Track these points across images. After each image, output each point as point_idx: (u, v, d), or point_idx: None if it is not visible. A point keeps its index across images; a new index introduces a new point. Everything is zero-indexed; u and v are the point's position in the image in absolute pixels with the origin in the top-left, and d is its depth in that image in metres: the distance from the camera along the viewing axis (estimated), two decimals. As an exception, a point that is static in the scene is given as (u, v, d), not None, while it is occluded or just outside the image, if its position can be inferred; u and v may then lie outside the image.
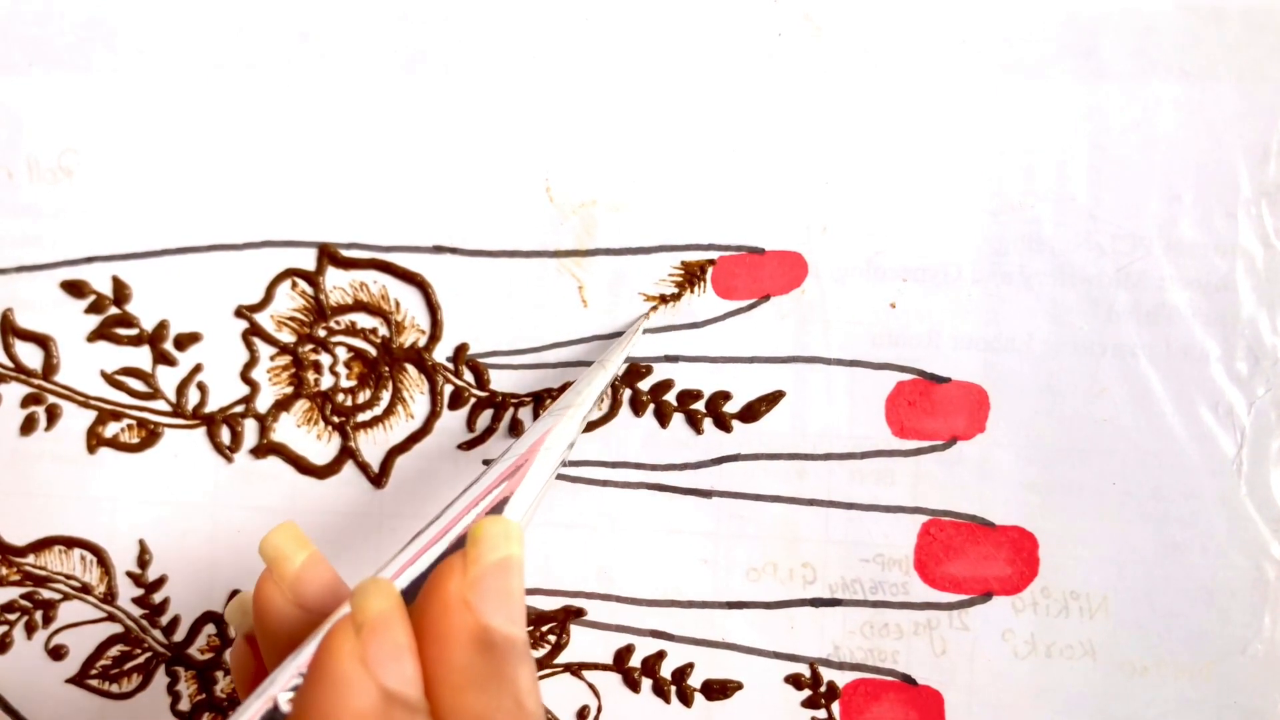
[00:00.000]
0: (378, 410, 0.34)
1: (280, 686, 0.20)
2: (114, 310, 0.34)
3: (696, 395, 0.33)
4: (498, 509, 0.23)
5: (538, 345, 0.33)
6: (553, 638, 0.33)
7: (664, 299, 0.33)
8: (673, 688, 0.33)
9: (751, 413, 0.32)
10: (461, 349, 0.33)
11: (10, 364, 0.35)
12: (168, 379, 0.34)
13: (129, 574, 0.35)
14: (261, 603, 0.24)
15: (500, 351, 0.33)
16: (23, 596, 0.35)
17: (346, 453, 0.34)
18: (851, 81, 0.32)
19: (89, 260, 0.34)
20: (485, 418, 0.34)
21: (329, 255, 0.33)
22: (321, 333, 0.34)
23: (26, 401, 0.35)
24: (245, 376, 0.34)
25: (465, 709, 0.20)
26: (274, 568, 0.24)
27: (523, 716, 0.20)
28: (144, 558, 0.35)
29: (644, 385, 0.33)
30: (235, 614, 0.25)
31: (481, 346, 0.33)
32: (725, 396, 0.33)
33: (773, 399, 0.32)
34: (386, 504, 0.34)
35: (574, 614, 0.33)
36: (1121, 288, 0.31)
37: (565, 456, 0.27)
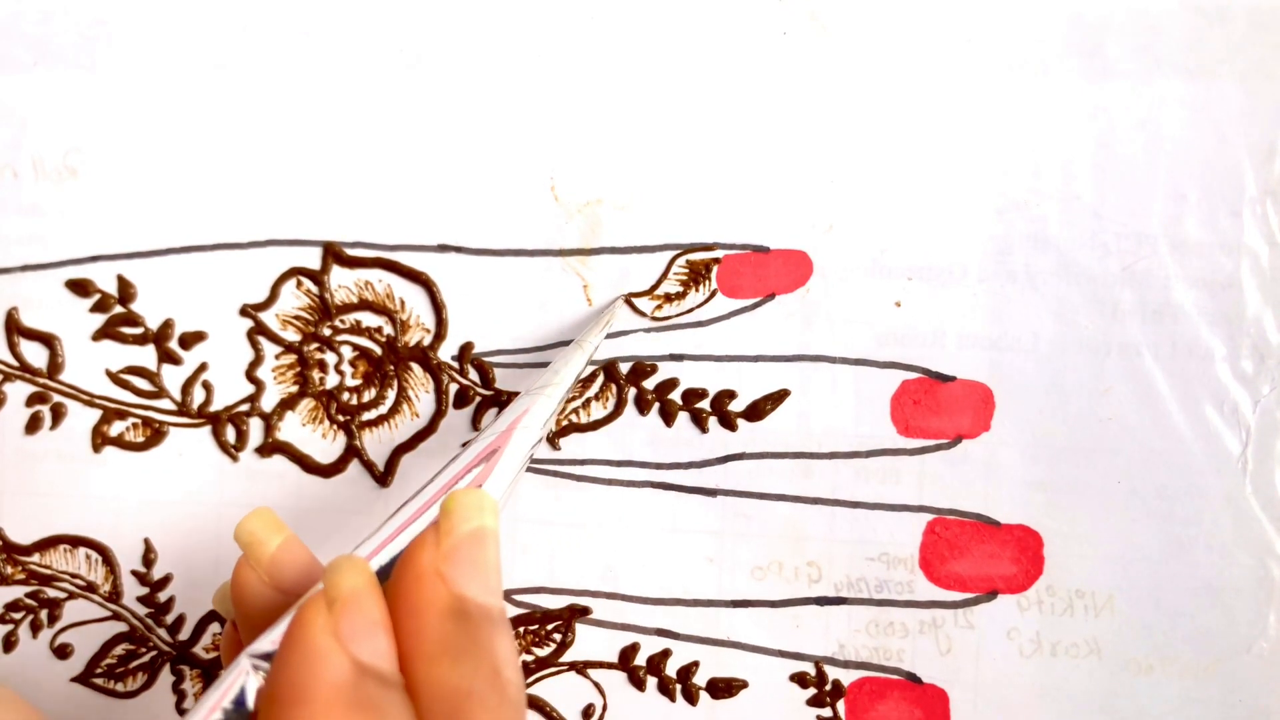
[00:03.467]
0: (383, 409, 0.34)
1: (250, 661, 0.20)
2: (119, 309, 0.34)
3: (701, 394, 0.33)
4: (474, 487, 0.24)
5: (542, 344, 0.33)
6: (558, 636, 0.33)
7: (668, 298, 0.33)
8: (678, 686, 0.33)
9: (756, 411, 0.32)
10: (466, 348, 0.33)
11: (15, 363, 0.35)
12: (173, 378, 0.34)
13: (134, 573, 0.35)
14: (239, 587, 0.24)
15: (505, 350, 0.33)
16: (28, 595, 0.35)
17: (351, 451, 0.34)
18: (857, 80, 0.32)
19: (94, 259, 0.34)
20: (490, 416, 0.34)
21: (334, 254, 0.33)
22: (326, 331, 0.34)
23: (31, 400, 0.35)
24: (250, 375, 0.34)
25: (440, 680, 0.20)
26: (249, 552, 0.24)
27: (500, 685, 0.20)
28: (149, 556, 0.35)
29: (649, 384, 0.33)
30: (220, 601, 0.26)
31: (486, 345, 0.33)
32: (730, 395, 0.33)
33: (778, 398, 0.32)
34: (392, 503, 0.34)
35: (579, 612, 0.33)
36: (1126, 286, 0.31)
37: (541, 436, 0.27)
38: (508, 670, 0.20)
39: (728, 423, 0.33)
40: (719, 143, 0.32)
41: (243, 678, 0.20)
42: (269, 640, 0.20)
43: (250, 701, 0.20)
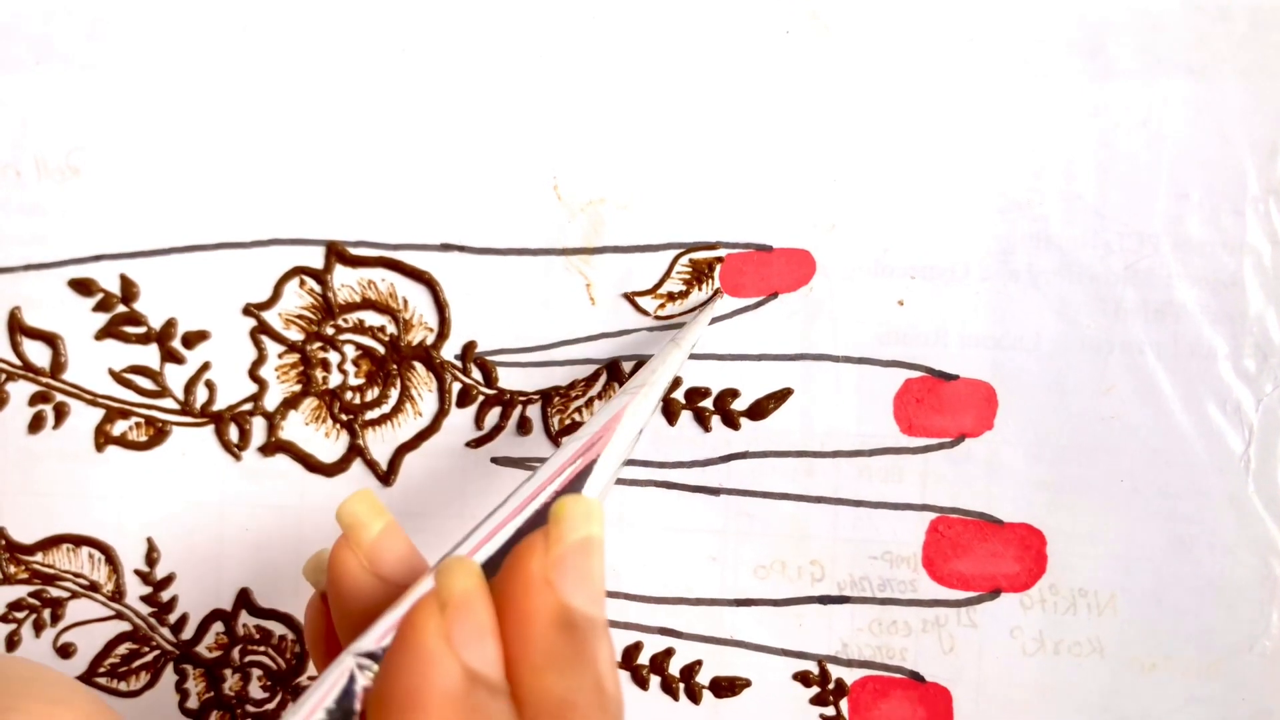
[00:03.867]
0: (386, 408, 0.34)
1: (355, 660, 0.20)
2: (122, 308, 0.34)
3: (704, 393, 0.33)
4: (574, 487, 0.23)
5: (545, 343, 0.33)
6: (561, 635, 0.33)
7: (670, 297, 0.33)
8: (681, 685, 0.33)
9: (759, 410, 0.32)
10: (469, 347, 0.33)
11: (18, 362, 0.35)
12: (176, 377, 0.34)
13: (137, 572, 0.35)
14: (337, 567, 0.24)
15: (508, 349, 0.33)
16: (31, 595, 0.35)
17: (355, 450, 0.34)
18: (859, 79, 0.32)
19: (97, 258, 0.34)
20: (493, 415, 0.34)
21: (337, 253, 0.33)
22: (330, 331, 0.34)
23: (34, 400, 0.35)
24: (253, 374, 0.34)
25: (546, 690, 0.20)
26: (350, 534, 0.24)
27: (603, 699, 0.20)
28: (152, 556, 0.35)
29: (652, 383, 0.33)
30: (312, 572, 0.25)
31: (489, 344, 0.33)
32: (733, 394, 0.33)
33: (781, 396, 0.32)
34: (395, 502, 0.34)
35: (582, 611, 0.33)
36: (1129, 285, 0.31)
37: (639, 435, 0.26)
38: (609, 683, 0.20)
39: (731, 421, 0.33)
40: (721, 142, 0.32)
41: (345, 677, 0.20)
42: (373, 638, 0.20)
43: (357, 703, 0.19)
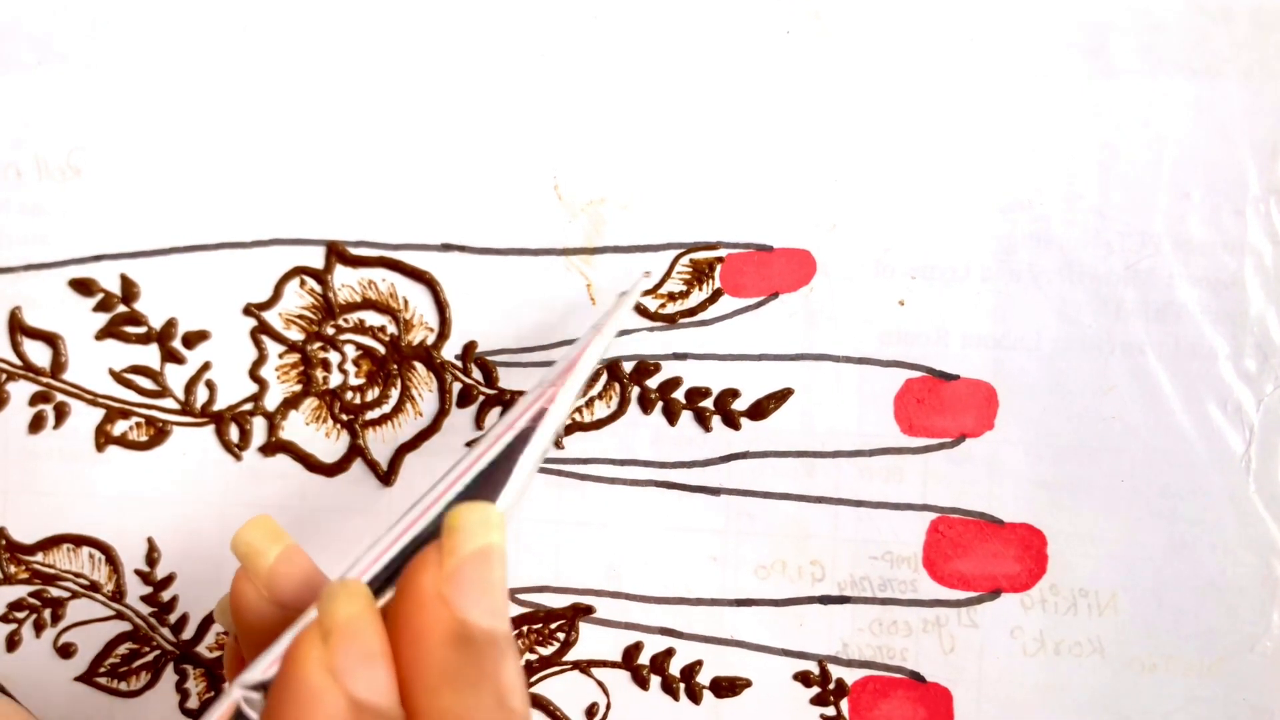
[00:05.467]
0: (386, 408, 0.34)
1: (241, 692, 0.19)
2: (122, 308, 0.34)
3: (705, 393, 0.33)
4: (484, 493, 0.22)
5: (546, 343, 0.33)
6: (561, 635, 0.33)
7: (671, 296, 0.33)
8: (681, 685, 0.33)
9: (760, 410, 0.32)
10: (470, 347, 0.33)
11: (18, 362, 0.35)
12: (176, 377, 0.34)
13: (137, 572, 0.35)
14: (238, 600, 0.23)
15: (508, 349, 0.33)
16: (31, 595, 0.35)
17: (355, 450, 0.34)
18: (860, 79, 0.32)
19: (97, 258, 0.34)
20: (494, 415, 0.34)
21: (337, 253, 0.33)
22: (330, 331, 0.34)
23: (35, 400, 0.35)
24: (254, 374, 0.34)
25: (442, 710, 0.19)
26: (247, 564, 0.23)
27: (505, 716, 0.19)
28: (152, 556, 0.35)
29: (652, 383, 0.33)
30: (220, 614, 0.25)
31: (490, 344, 0.33)
32: (734, 394, 0.33)
33: (781, 396, 0.32)
34: (395, 502, 0.34)
35: (583, 611, 0.33)
36: (1130, 285, 0.31)
37: (556, 436, 0.25)
38: (513, 699, 0.19)
39: (731, 422, 0.33)
40: (722, 142, 0.32)
41: (231, 711, 0.19)
42: (260, 668, 0.20)
43: None
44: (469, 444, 0.34)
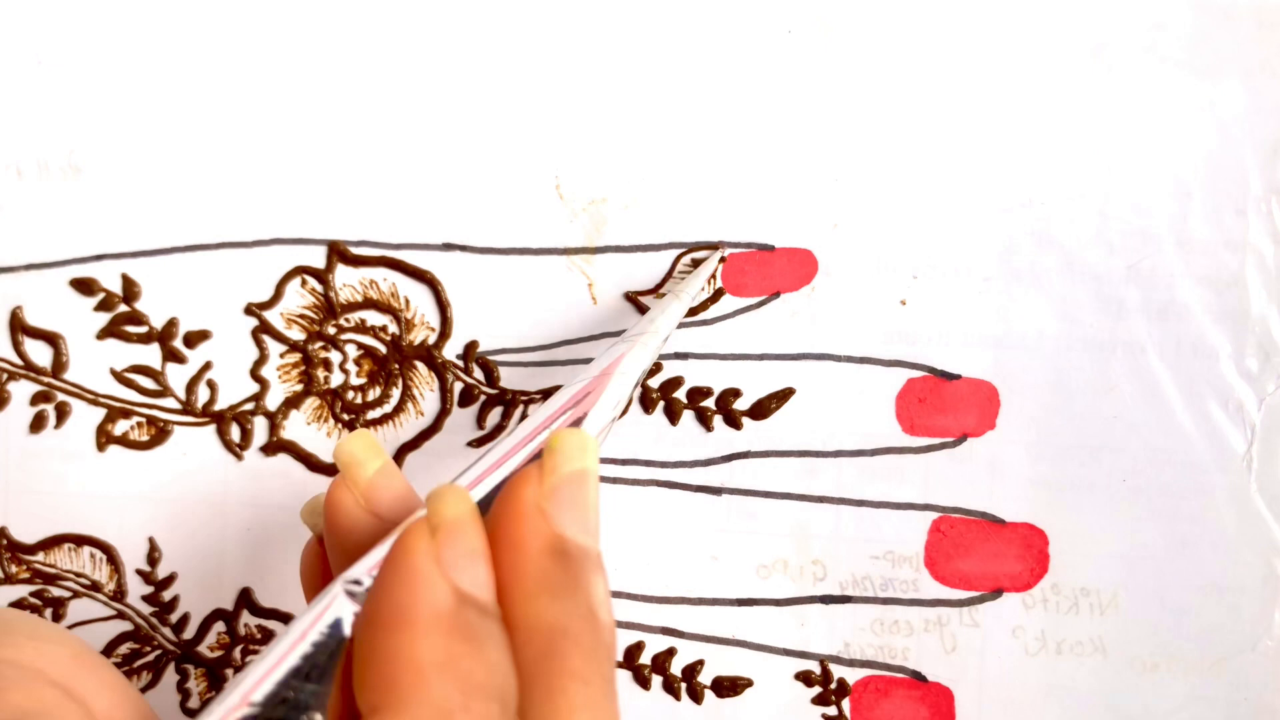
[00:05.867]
0: (388, 408, 0.34)
1: (345, 586, 0.20)
2: (123, 308, 0.34)
3: (706, 392, 0.33)
4: (574, 426, 0.23)
5: (547, 343, 0.33)
6: (563, 635, 0.33)
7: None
8: (683, 685, 0.33)
9: (761, 410, 0.32)
10: (471, 346, 0.33)
11: (19, 362, 0.35)
12: (177, 376, 0.34)
13: (138, 572, 0.35)
14: (333, 505, 0.23)
15: (510, 349, 0.33)
16: (32, 594, 0.35)
17: (356, 450, 0.34)
18: (861, 79, 0.32)
19: (98, 258, 0.34)
20: (495, 415, 0.34)
21: (339, 253, 0.33)
22: (331, 330, 0.34)
23: (36, 399, 0.35)
24: (255, 374, 0.34)
25: (538, 615, 0.20)
26: (348, 473, 0.24)
27: (595, 625, 0.20)
28: (153, 555, 0.35)
29: (653, 382, 0.33)
30: (309, 514, 0.25)
31: (491, 344, 0.33)
32: (735, 394, 0.33)
33: (783, 396, 0.32)
34: (396, 501, 0.34)
35: (584, 611, 0.33)
36: (1131, 285, 0.31)
37: (639, 382, 0.26)
38: (602, 612, 0.20)
39: (733, 421, 0.33)
40: (724, 141, 0.32)
41: (337, 603, 0.19)
42: (365, 567, 0.20)
43: (347, 628, 0.19)
44: (470, 443, 0.34)
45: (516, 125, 0.33)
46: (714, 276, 0.32)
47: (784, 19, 0.32)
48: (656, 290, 0.33)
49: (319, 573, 0.25)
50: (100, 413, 0.35)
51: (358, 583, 0.20)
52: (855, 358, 0.32)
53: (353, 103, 0.33)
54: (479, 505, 0.21)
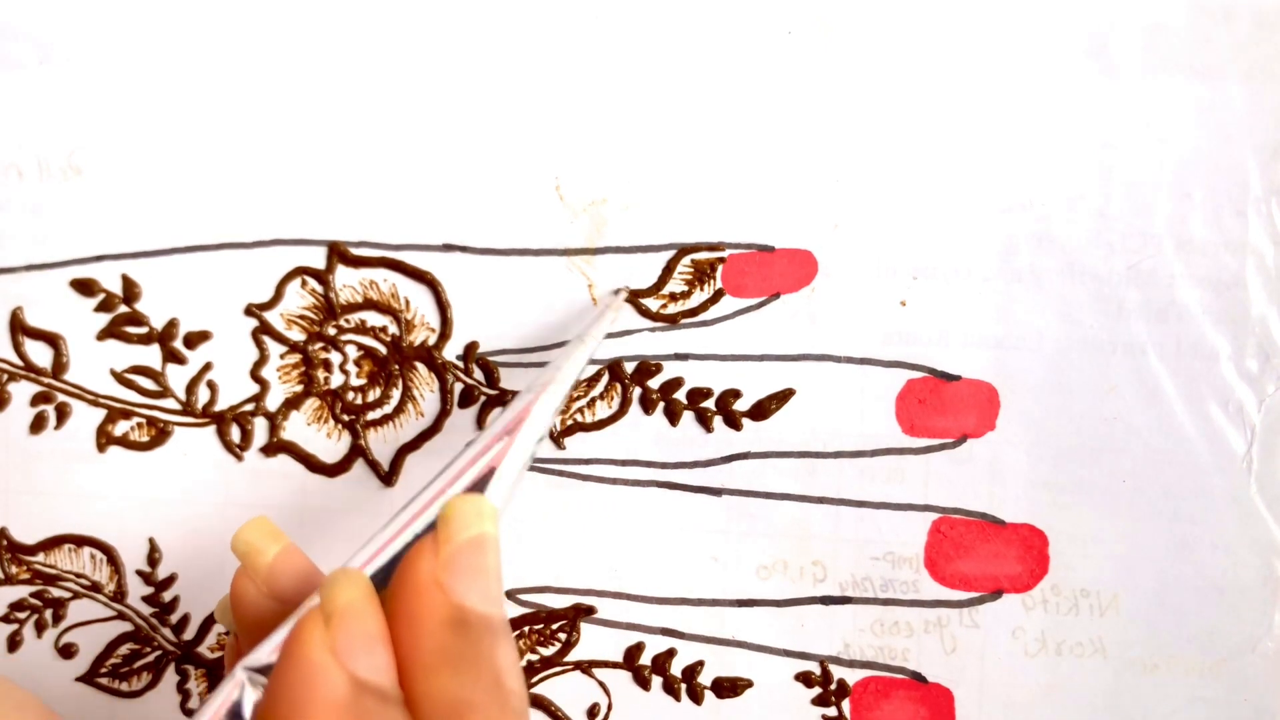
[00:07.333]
0: (388, 409, 0.34)
1: (246, 673, 0.20)
2: (123, 309, 0.34)
3: (706, 393, 0.33)
4: (474, 489, 0.23)
5: (547, 343, 0.33)
6: (563, 636, 0.33)
7: (673, 297, 0.33)
8: (683, 685, 0.33)
9: (762, 411, 0.32)
10: (471, 347, 0.33)
11: (20, 362, 0.35)
12: (177, 377, 0.34)
13: (139, 572, 0.35)
14: (238, 598, 0.24)
15: (510, 350, 0.33)
16: (32, 595, 0.35)
17: (357, 451, 0.34)
18: (862, 79, 0.32)
19: (98, 259, 0.34)
20: (495, 414, 0.34)
21: (339, 253, 0.33)
22: (331, 331, 0.34)
23: (36, 400, 0.35)
24: (255, 375, 0.34)
25: (440, 691, 0.20)
26: (246, 562, 0.24)
27: (502, 696, 0.20)
28: (154, 556, 0.35)
29: (654, 383, 0.33)
30: (221, 614, 0.25)
31: (491, 345, 0.33)
32: (735, 394, 0.33)
33: (783, 397, 0.32)
34: (397, 502, 0.34)
35: (584, 612, 0.33)
36: (1131, 286, 0.31)
37: (544, 435, 0.26)
38: (509, 680, 0.20)
39: (733, 422, 0.33)
40: (724, 142, 0.32)
41: (238, 691, 0.20)
42: (265, 652, 0.20)
43: (247, 716, 0.20)
44: (468, 444, 0.34)
45: (517, 126, 0.33)
46: (616, 316, 0.32)
47: (784, 20, 0.32)
48: (656, 290, 0.33)
49: None
50: (100, 413, 0.35)
51: (261, 669, 0.20)
52: (855, 358, 0.32)
53: (353, 103, 0.33)
54: (380, 578, 0.21)
